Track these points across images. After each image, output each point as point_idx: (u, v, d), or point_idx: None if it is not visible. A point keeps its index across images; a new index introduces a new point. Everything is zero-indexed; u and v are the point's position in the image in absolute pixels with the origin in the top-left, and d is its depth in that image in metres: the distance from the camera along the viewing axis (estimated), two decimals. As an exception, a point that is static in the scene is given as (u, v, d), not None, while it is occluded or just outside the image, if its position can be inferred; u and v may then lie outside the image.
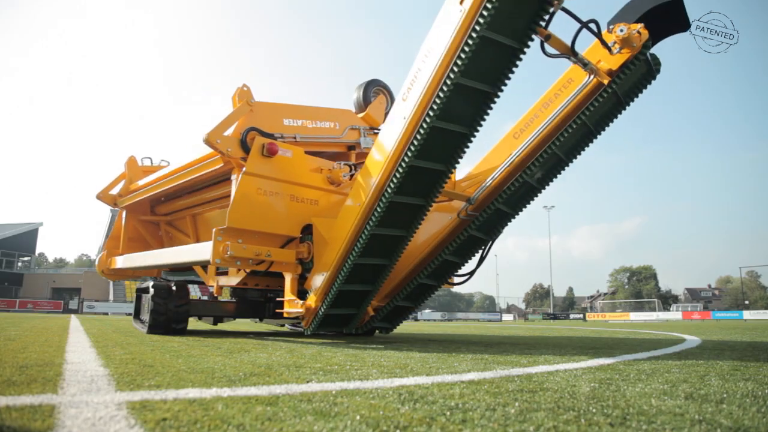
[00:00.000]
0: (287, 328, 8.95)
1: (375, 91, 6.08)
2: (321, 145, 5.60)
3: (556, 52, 3.84)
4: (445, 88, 3.58)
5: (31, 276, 44.71)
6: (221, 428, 1.24)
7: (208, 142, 4.49)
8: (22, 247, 45.96)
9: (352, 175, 5.41)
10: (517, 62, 3.63)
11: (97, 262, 7.72)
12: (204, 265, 6.22)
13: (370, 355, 3.36)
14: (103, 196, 7.48)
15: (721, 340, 5.93)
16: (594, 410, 1.54)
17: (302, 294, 4.97)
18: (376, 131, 6.03)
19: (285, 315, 4.95)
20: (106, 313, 31.55)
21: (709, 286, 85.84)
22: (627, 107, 4.42)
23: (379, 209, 4.08)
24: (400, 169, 3.91)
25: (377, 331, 6.45)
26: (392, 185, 3.97)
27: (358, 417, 1.38)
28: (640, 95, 4.39)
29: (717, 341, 5.74)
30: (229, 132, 4.69)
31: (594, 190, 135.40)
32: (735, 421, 1.42)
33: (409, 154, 3.83)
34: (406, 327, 7.29)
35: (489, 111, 3.86)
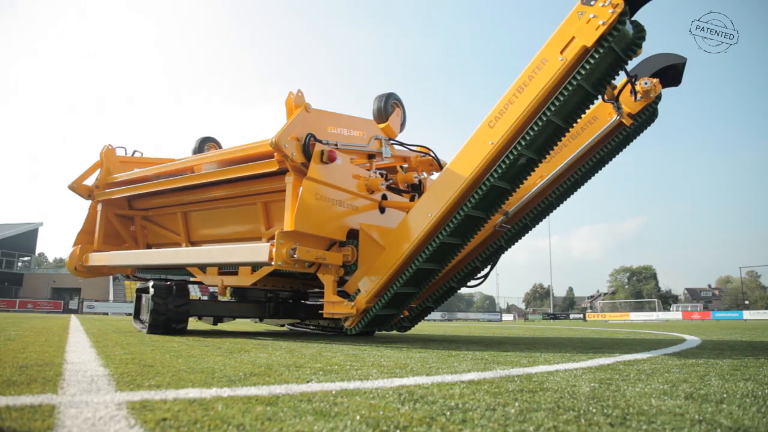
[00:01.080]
0: (287, 328, 8.96)
1: (392, 104, 6.38)
2: (353, 152, 5.76)
3: (606, 99, 4.86)
4: (540, 123, 4.11)
5: (31, 276, 44.70)
6: (221, 428, 1.24)
7: (276, 145, 4.58)
8: (22, 247, 45.96)
9: (389, 186, 5.94)
10: (590, 105, 4.28)
11: (68, 259, 6.96)
12: (258, 266, 5.57)
13: (370, 355, 3.36)
14: (77, 187, 6.86)
15: (721, 340, 5.93)
16: (594, 410, 1.54)
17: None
18: (392, 142, 6.27)
19: (325, 315, 5.09)
20: (106, 313, 31.55)
21: (709, 286, 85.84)
22: (630, 143, 5.47)
23: (454, 221, 4.50)
24: (483, 188, 4.36)
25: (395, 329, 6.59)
26: (472, 201, 4.43)
27: (358, 417, 1.38)
28: (641, 134, 5.43)
29: (717, 341, 5.74)
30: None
31: (595, 190, 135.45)
32: (735, 421, 1.41)
33: (495, 175, 4.30)
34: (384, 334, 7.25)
35: (558, 142, 4.45)
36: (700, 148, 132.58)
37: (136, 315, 7.50)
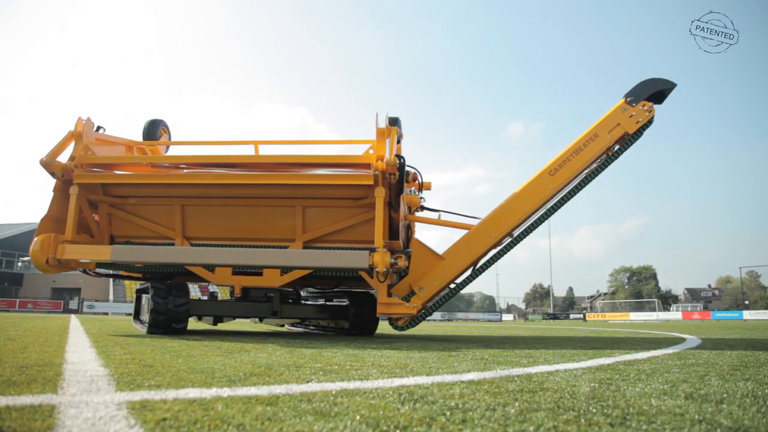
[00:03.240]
0: (287, 328, 8.97)
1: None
2: None
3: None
4: (589, 179, 6.11)
5: (31, 276, 44.69)
6: (221, 428, 1.24)
7: (393, 164, 5.23)
8: (22, 247, 45.89)
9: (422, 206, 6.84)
10: (606, 168, 6.32)
11: (34, 248, 5.45)
12: (360, 271, 5.64)
13: (370, 355, 3.36)
14: (53, 164, 5.63)
15: (721, 340, 5.93)
16: (594, 410, 1.54)
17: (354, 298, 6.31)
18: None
19: (379, 315, 5.74)
20: (106, 313, 31.56)
21: (709, 286, 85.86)
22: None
23: (510, 244, 6.07)
24: (537, 222, 6.06)
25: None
26: (526, 231, 6.10)
27: (358, 417, 1.38)
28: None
29: (717, 341, 5.74)
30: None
31: (596, 190, 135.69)
32: (735, 421, 1.41)
33: (547, 214, 6.09)
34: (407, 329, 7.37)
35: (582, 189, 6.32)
36: (700, 147, 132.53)
37: (136, 315, 7.50)
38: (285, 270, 5.78)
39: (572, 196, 6.20)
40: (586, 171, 6.15)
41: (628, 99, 6.26)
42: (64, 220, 5.74)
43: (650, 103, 6.23)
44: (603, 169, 6.20)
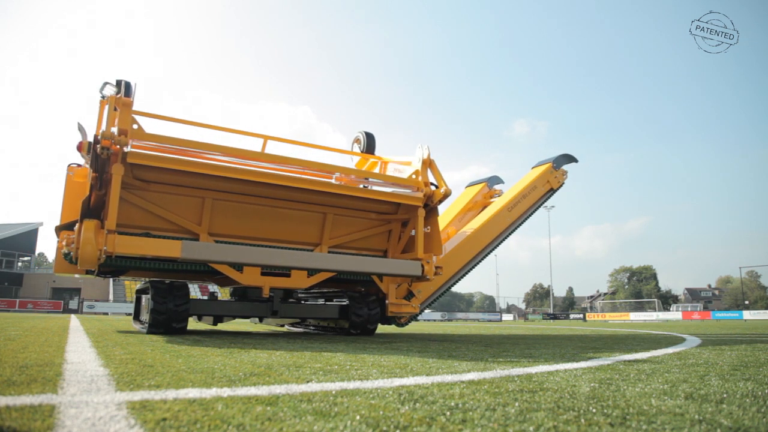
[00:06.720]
0: (287, 328, 8.96)
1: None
2: None
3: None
4: (530, 214, 8.86)
5: (31, 276, 44.66)
6: (221, 428, 1.24)
7: (449, 194, 6.15)
8: (22, 247, 45.92)
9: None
10: (537, 210, 9.14)
11: (86, 235, 4.59)
12: (407, 277, 6.33)
13: (370, 355, 3.36)
14: (110, 136, 4.70)
15: (721, 340, 5.93)
16: (594, 410, 1.54)
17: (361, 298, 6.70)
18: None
19: (389, 315, 6.60)
20: (106, 313, 31.55)
21: (709, 286, 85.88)
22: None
23: (486, 253, 8.18)
24: (502, 242, 8.44)
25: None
26: (496, 246, 8.36)
27: (358, 417, 1.38)
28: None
29: (717, 341, 5.74)
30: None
31: (598, 190, 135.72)
32: (735, 421, 1.41)
33: (507, 234, 8.51)
34: (406, 326, 7.52)
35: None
36: (701, 147, 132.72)
37: (136, 316, 7.50)
38: (311, 272, 6.08)
39: (520, 225, 8.82)
40: (528, 210, 8.84)
41: (554, 165, 9.18)
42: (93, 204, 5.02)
43: (566, 171, 9.32)
44: (535, 211, 9.05)
